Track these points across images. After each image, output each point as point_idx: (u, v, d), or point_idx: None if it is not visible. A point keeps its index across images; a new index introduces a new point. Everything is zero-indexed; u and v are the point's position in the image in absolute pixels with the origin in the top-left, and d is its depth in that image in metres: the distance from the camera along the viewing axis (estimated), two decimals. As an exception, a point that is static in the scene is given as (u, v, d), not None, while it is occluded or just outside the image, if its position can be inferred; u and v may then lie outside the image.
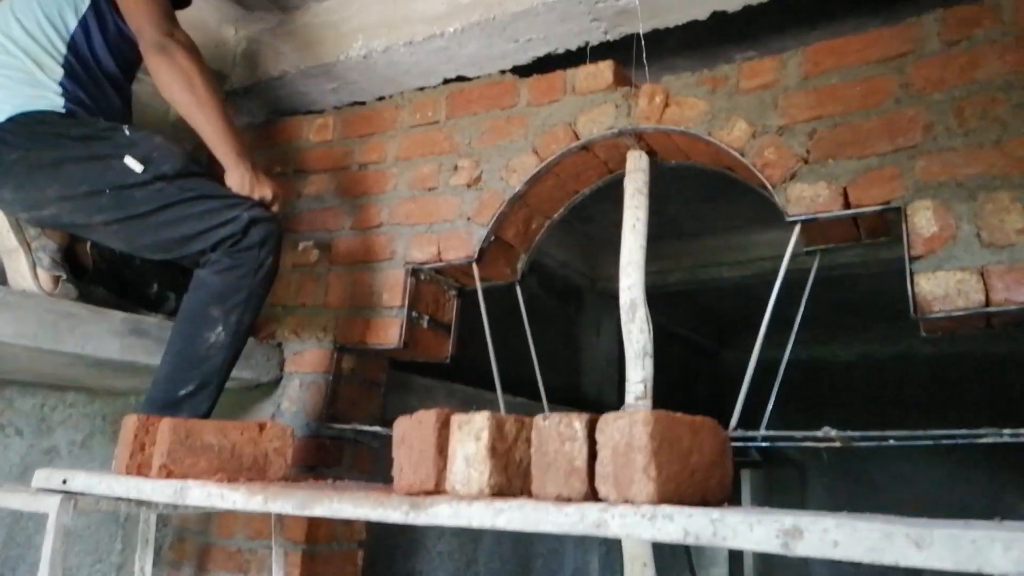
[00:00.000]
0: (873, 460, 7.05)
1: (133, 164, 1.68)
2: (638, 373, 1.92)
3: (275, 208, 1.89)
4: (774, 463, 7.63)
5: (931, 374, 6.82)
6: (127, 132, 1.73)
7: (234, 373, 1.87)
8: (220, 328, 1.72)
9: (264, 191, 1.84)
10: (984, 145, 1.54)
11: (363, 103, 2.54)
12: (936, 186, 1.57)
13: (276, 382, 2.31)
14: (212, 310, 1.72)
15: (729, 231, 4.97)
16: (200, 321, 1.72)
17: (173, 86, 1.72)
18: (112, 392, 2.41)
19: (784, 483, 7.77)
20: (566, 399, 5.07)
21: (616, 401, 5.57)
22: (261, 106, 2.83)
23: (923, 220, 1.56)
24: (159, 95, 1.82)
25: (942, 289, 1.50)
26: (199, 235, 1.72)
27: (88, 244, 1.94)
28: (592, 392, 5.46)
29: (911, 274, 1.55)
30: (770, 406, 1.92)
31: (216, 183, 1.81)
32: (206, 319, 1.72)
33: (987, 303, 1.47)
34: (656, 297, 6.18)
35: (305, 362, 2.28)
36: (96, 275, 1.98)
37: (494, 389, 3.34)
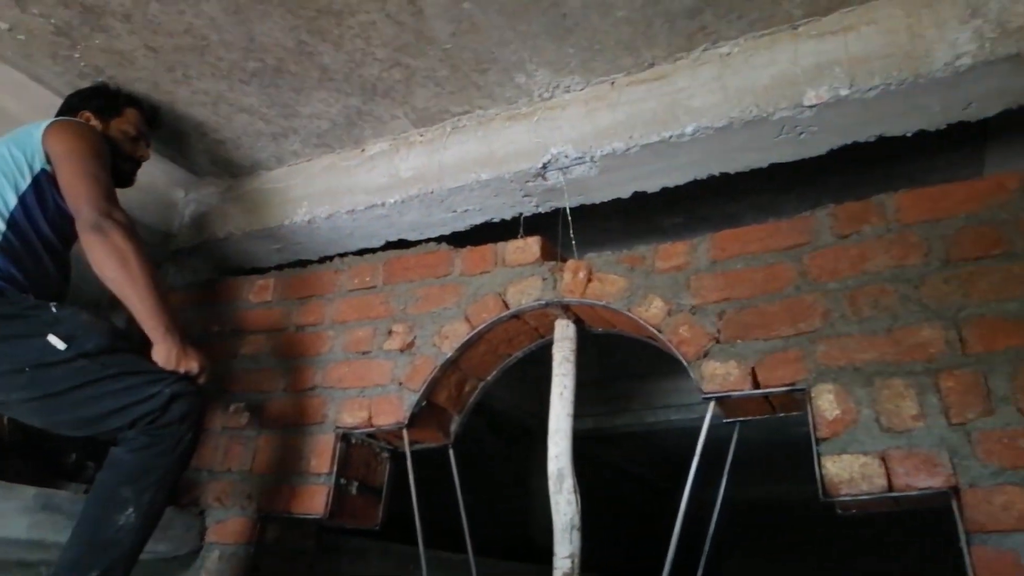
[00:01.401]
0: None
1: (56, 342, 1.68)
2: (565, 548, 1.90)
3: (201, 380, 1.88)
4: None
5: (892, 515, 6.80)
6: (53, 310, 1.74)
7: (149, 546, 1.79)
8: (131, 509, 1.66)
9: (190, 364, 1.84)
10: (877, 332, 1.65)
11: (304, 265, 2.62)
12: (836, 370, 1.66)
13: (195, 553, 2.22)
14: (123, 490, 1.67)
15: (676, 374, 5.04)
16: (110, 503, 1.67)
17: (106, 264, 1.75)
18: (23, 564, 2.28)
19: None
20: (516, 548, 4.90)
21: (580, 522, 5.40)
22: (206, 263, 2.90)
23: (826, 403, 1.63)
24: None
25: (847, 473, 1.55)
26: (117, 412, 1.70)
27: (3, 417, 1.90)
28: (542, 539, 5.30)
29: (818, 456, 1.60)
30: (705, 551, 1.92)
31: (141, 358, 1.81)
32: (116, 500, 1.66)
33: (890, 488, 1.51)
34: (609, 438, 6.12)
35: (227, 532, 2.20)
36: (11, 446, 1.93)
37: (434, 546, 3.24)
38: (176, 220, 2.85)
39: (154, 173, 2.71)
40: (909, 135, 2.01)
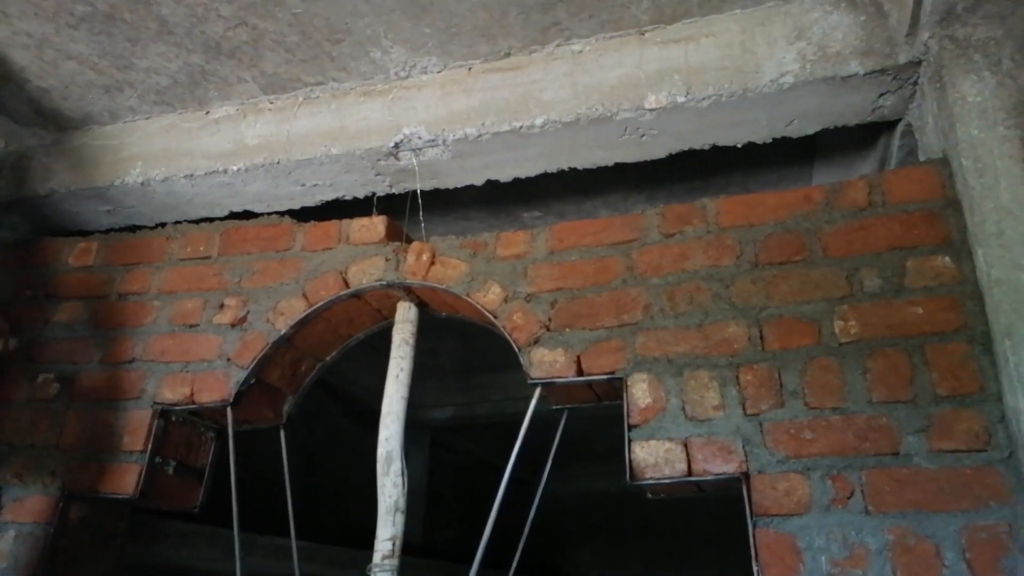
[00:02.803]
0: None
1: None
2: (387, 530, 1.89)
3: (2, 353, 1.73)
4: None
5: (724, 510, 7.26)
6: None
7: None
8: None
9: None
10: (690, 327, 1.74)
11: (133, 230, 2.45)
12: (652, 361, 1.74)
13: (-14, 534, 2.03)
14: None
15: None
16: None
17: None
18: None
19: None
20: (368, 534, 4.84)
21: (420, 535, 5.40)
22: (25, 221, 2.65)
23: (640, 391, 1.71)
24: None
25: (653, 457, 1.63)
26: None
27: None
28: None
29: (629, 441, 1.67)
30: (522, 543, 1.97)
31: None
32: None
33: (689, 472, 1.60)
34: (467, 427, 6.15)
35: (25, 511, 2.03)
36: None
37: (272, 533, 3.14)
38: (-8, 172, 2.59)
39: (-33, 118, 2.45)
40: (739, 146, 2.14)
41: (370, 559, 3.84)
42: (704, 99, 1.97)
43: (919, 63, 1.85)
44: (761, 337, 1.68)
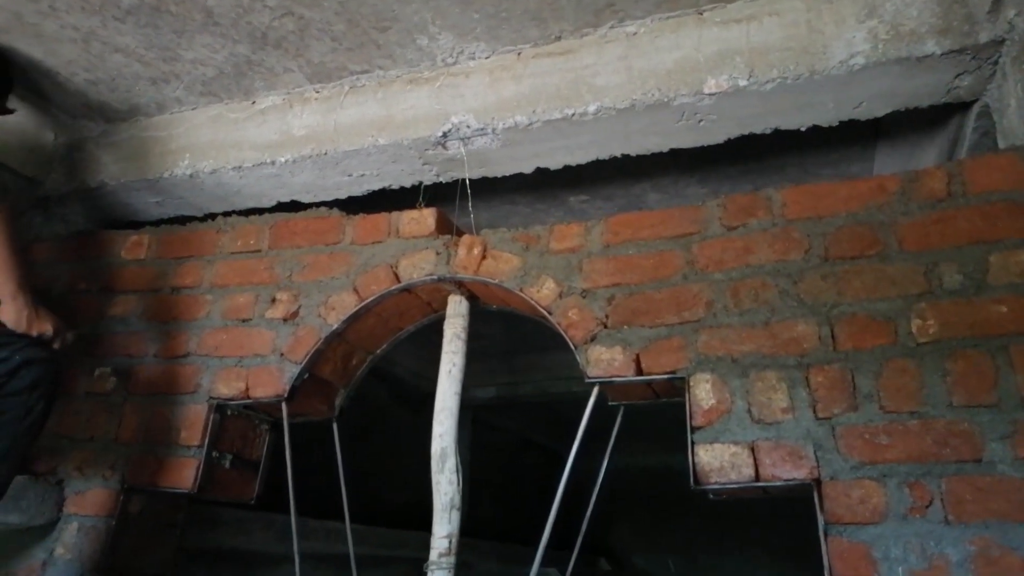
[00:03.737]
0: (715, 571, 7.23)
1: None
2: (443, 527, 1.87)
3: (57, 345, 1.74)
4: (625, 574, 7.66)
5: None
6: None
7: (-1, 516, 1.67)
8: None
9: (43, 327, 1.70)
10: (755, 325, 1.67)
11: (185, 222, 2.45)
12: (715, 360, 1.67)
13: (51, 525, 2.07)
14: None
15: (578, 348, 5.09)
16: None
17: None
18: None
19: (634, 593, 7.78)
20: (413, 516, 4.88)
21: (464, 514, 5.43)
22: (79, 213, 2.67)
23: (703, 392, 1.65)
24: None
25: (718, 462, 1.58)
26: None
27: None
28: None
29: (692, 444, 1.62)
30: (587, 516, 1.97)
31: None
32: None
33: (757, 478, 1.55)
34: (511, 407, 6.15)
35: (87, 503, 2.06)
36: None
37: (321, 516, 3.17)
38: (45, 164, 2.61)
39: (19, 112, 2.46)
40: (803, 130, 2.04)
41: (418, 541, 3.88)
42: (768, 82, 1.87)
43: (1002, 42, 1.73)
44: (832, 336, 1.60)
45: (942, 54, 1.77)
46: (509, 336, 4.97)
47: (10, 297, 1.66)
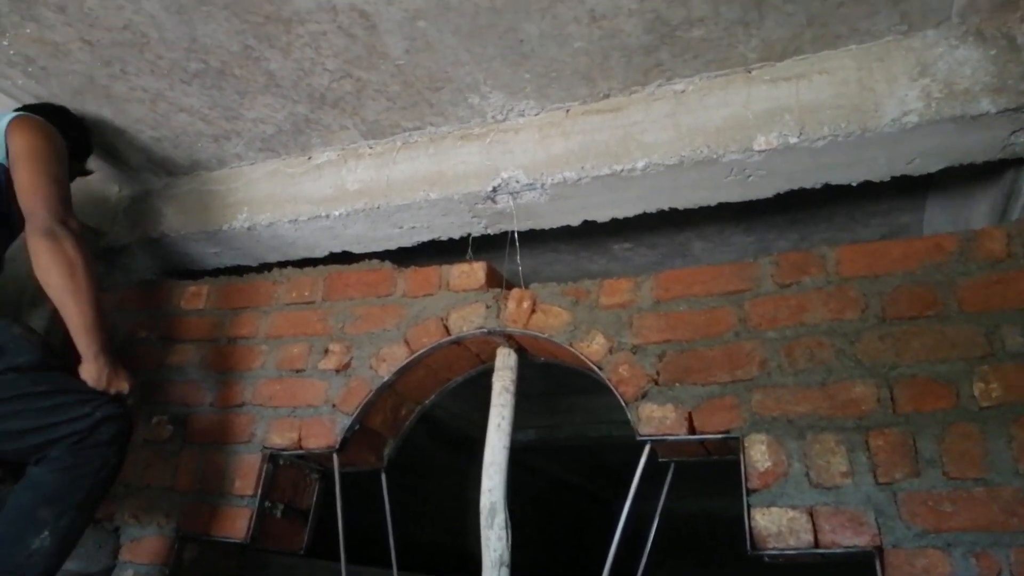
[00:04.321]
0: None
1: None
2: (493, 584, 1.86)
3: (130, 401, 1.83)
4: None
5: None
6: None
7: (55, 564, 1.71)
8: (46, 533, 1.58)
9: (120, 385, 1.79)
10: (811, 385, 1.65)
11: (242, 273, 2.52)
12: (770, 420, 1.66)
13: (107, 572, 2.11)
14: (42, 512, 1.59)
15: (618, 391, 5.05)
16: (25, 524, 1.58)
17: (52, 271, 1.67)
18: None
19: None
20: (452, 557, 4.85)
21: (510, 559, 5.37)
22: (140, 263, 2.77)
23: (758, 454, 1.63)
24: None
25: (775, 526, 1.55)
26: (42, 429, 1.62)
27: None
28: (477, 549, 5.27)
29: (748, 507, 1.59)
30: (642, 564, 1.93)
31: (70, 377, 1.74)
32: (33, 522, 1.58)
33: (816, 544, 1.52)
34: (550, 449, 6.09)
35: (143, 551, 2.10)
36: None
37: (368, 562, 3.17)
38: (109, 216, 2.72)
39: (89, 165, 2.58)
40: (854, 184, 2.04)
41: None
42: (819, 139, 1.88)
43: (1059, 99, 1.72)
44: (892, 399, 1.58)
45: (997, 112, 1.76)
46: (548, 379, 4.97)
47: (93, 357, 1.74)
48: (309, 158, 2.48)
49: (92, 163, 2.57)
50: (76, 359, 1.75)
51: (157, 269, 2.81)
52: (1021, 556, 1.40)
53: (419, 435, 5.08)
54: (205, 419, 2.24)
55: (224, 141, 2.45)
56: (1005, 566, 1.40)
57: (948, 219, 2.54)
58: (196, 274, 2.72)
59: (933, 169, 1.97)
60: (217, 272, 2.69)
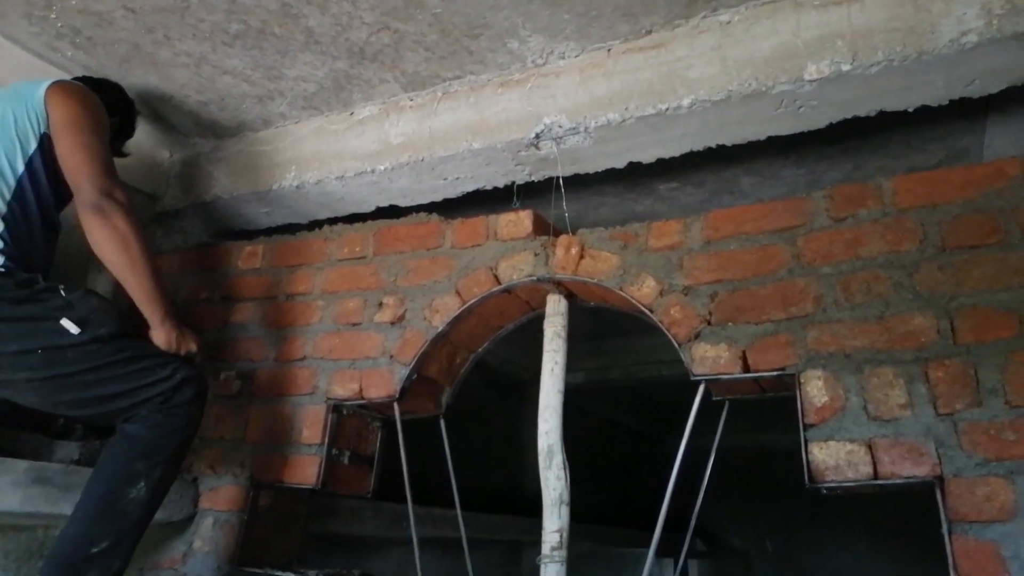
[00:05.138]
0: (815, 551, 7.08)
1: (69, 326, 1.68)
2: (554, 522, 1.93)
3: (198, 360, 1.92)
4: (720, 553, 7.61)
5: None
6: (63, 293, 1.73)
7: (144, 513, 1.84)
8: (142, 483, 1.72)
9: (189, 346, 1.89)
10: (869, 320, 1.64)
11: (294, 230, 2.58)
12: (826, 356, 1.65)
13: (189, 519, 2.25)
14: (138, 464, 1.72)
15: (667, 331, 5.06)
16: (123, 475, 1.71)
17: (106, 246, 1.74)
18: (16, 527, 2.31)
19: (730, 572, 7.72)
20: (507, 497, 5.01)
21: (569, 497, 5.52)
22: (195, 225, 2.85)
23: (815, 389, 1.63)
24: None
25: (833, 459, 1.57)
26: (129, 392, 1.73)
27: None
28: (534, 488, 5.41)
29: (805, 442, 1.61)
30: (699, 501, 2.00)
31: (146, 342, 1.83)
32: (130, 473, 1.71)
33: (875, 475, 1.53)
34: (599, 391, 6.15)
35: (220, 499, 2.23)
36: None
37: (428, 503, 3.30)
38: (162, 181, 2.80)
39: (138, 133, 2.63)
40: (910, 110, 1.97)
41: (513, 525, 3.94)
42: (873, 65, 1.81)
43: None
44: (952, 329, 1.56)
45: (1065, 25, 1.67)
46: (596, 321, 4.99)
47: (159, 323, 1.82)
48: (351, 114, 2.49)
49: (144, 129, 2.64)
50: (144, 325, 1.83)
51: (212, 231, 2.88)
52: (1087, 482, 1.39)
53: (473, 382, 5.20)
54: (270, 373, 2.33)
55: (268, 101, 2.48)
56: (1070, 492, 1.39)
57: (1010, 142, 2.44)
58: (250, 234, 2.79)
59: (995, 90, 1.89)
60: (270, 231, 2.75)
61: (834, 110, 1.99)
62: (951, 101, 1.96)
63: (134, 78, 2.39)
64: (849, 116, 2.01)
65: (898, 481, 1.51)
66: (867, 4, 1.84)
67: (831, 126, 2.08)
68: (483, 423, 5.27)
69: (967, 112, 2.38)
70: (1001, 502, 1.42)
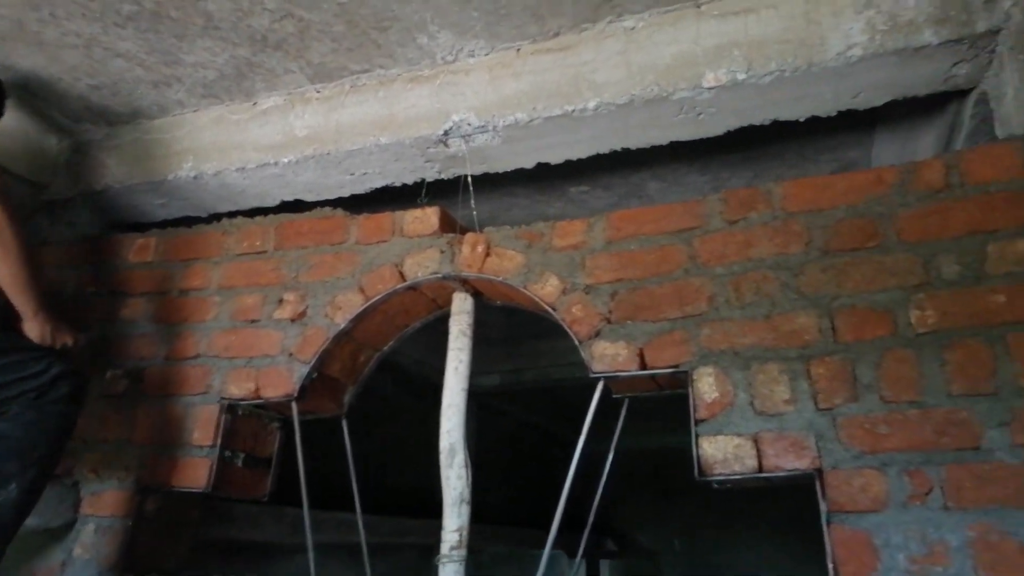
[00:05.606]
0: (720, 550, 7.32)
1: None
2: (454, 521, 1.91)
3: (76, 351, 1.81)
4: (630, 553, 7.76)
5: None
6: None
7: (16, 520, 1.72)
8: (13, 485, 1.62)
9: (64, 339, 1.79)
10: (757, 318, 1.70)
11: (191, 224, 2.47)
12: (718, 354, 1.70)
13: (69, 526, 2.11)
14: (9, 465, 1.62)
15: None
16: None
17: None
18: None
19: (640, 572, 7.88)
20: (421, 500, 4.95)
21: (470, 496, 5.49)
22: (85, 216, 2.70)
23: (706, 386, 1.68)
24: None
25: (721, 453, 1.61)
26: (2, 386, 1.64)
27: None
28: (446, 493, 5.36)
29: (696, 436, 1.65)
30: (596, 501, 2.01)
31: (19, 336, 1.73)
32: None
33: (760, 468, 1.58)
34: (514, 393, 6.17)
35: (103, 504, 2.10)
36: None
37: (332, 508, 3.22)
38: (48, 169, 2.63)
39: (23, 118, 2.48)
40: (802, 120, 2.06)
41: (425, 528, 3.89)
42: (766, 75, 1.89)
43: (998, 32, 1.75)
44: (833, 328, 1.63)
45: (939, 44, 1.78)
46: (511, 323, 5.01)
47: (32, 315, 1.73)
48: (254, 104, 2.41)
49: (29, 114, 2.48)
50: (16, 318, 1.72)
51: (103, 222, 2.73)
52: (951, 472, 1.47)
53: (385, 383, 5.12)
54: (160, 372, 2.22)
55: (165, 88, 2.37)
56: (936, 483, 1.47)
57: (895, 153, 2.58)
58: (145, 226, 2.66)
59: (878, 103, 2.00)
60: (166, 224, 2.63)
61: (731, 118, 2.06)
62: (842, 114, 2.06)
63: (18, 58, 2.24)
64: (746, 124, 2.09)
65: (781, 474, 1.57)
66: (762, 16, 1.92)
67: (732, 134, 2.16)
68: (397, 424, 5.20)
69: (857, 125, 2.51)
70: (875, 493, 1.49)
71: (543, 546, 1.87)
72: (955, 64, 1.86)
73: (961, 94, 2.04)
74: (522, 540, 5.61)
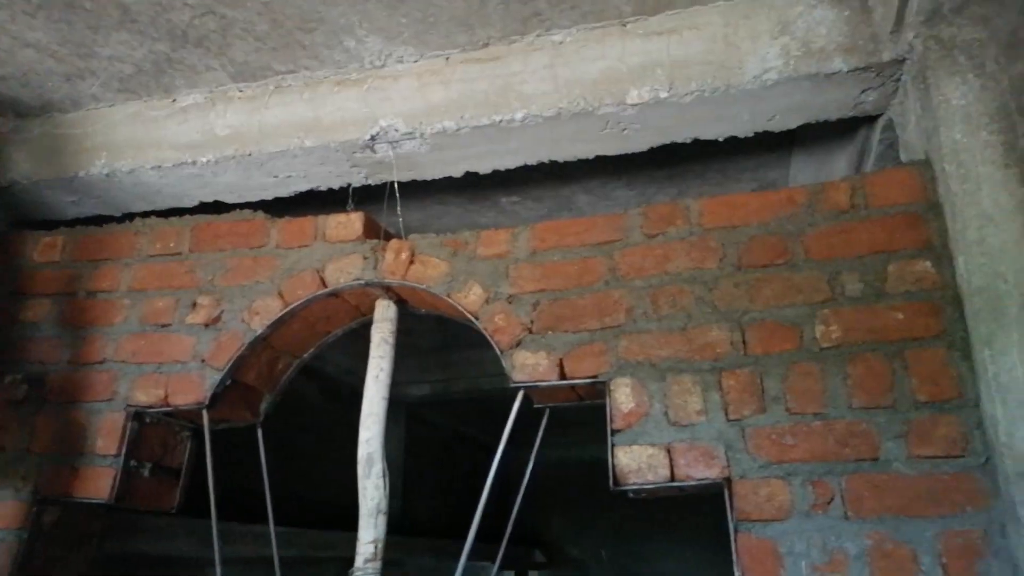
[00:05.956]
0: (644, 559, 7.43)
1: None
2: (369, 532, 1.88)
3: None
4: (559, 563, 7.79)
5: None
6: None
7: None
8: None
9: None
10: (673, 331, 1.73)
11: (101, 223, 2.37)
12: (635, 365, 1.73)
13: (-43, 540, 1.99)
14: None
15: (511, 344, 5.13)
16: None
17: None
18: None
19: (569, 583, 7.92)
20: (346, 513, 4.85)
21: (399, 511, 5.42)
22: (-13, 212, 2.55)
23: (623, 396, 1.70)
24: None
25: (636, 463, 1.64)
26: None
27: None
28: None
29: (612, 447, 1.67)
30: (514, 511, 2.02)
31: None
32: None
33: (672, 478, 1.61)
34: (444, 403, 6.13)
35: (-3, 516, 1.98)
36: None
37: (249, 520, 3.12)
38: (-53, 161, 2.48)
39: (-82, 105, 2.33)
40: (721, 140, 2.12)
41: (348, 541, 3.83)
42: (687, 95, 1.93)
43: (903, 61, 1.84)
44: (744, 341, 1.68)
45: (849, 71, 1.86)
46: (441, 331, 4.98)
47: None
48: (174, 100, 2.33)
49: (-77, 100, 2.33)
50: None
51: (9, 219, 2.59)
52: (851, 482, 1.53)
53: (312, 393, 5.01)
54: (63, 377, 2.11)
55: (78, 80, 2.27)
56: (837, 492, 1.53)
57: (812, 175, 2.69)
58: (54, 224, 2.53)
59: (792, 125, 2.07)
60: (78, 223, 2.51)
61: (654, 135, 2.11)
62: (762, 136, 2.13)
63: (-87, 42, 2.11)
64: (668, 141, 2.13)
65: (692, 483, 1.60)
66: (684, 36, 1.97)
67: (657, 151, 2.21)
68: (324, 435, 5.09)
69: (776, 146, 2.61)
70: (780, 502, 1.54)
71: (472, 557, 1.86)
72: (863, 91, 1.95)
73: (871, 119, 2.14)
74: (451, 552, 5.57)
